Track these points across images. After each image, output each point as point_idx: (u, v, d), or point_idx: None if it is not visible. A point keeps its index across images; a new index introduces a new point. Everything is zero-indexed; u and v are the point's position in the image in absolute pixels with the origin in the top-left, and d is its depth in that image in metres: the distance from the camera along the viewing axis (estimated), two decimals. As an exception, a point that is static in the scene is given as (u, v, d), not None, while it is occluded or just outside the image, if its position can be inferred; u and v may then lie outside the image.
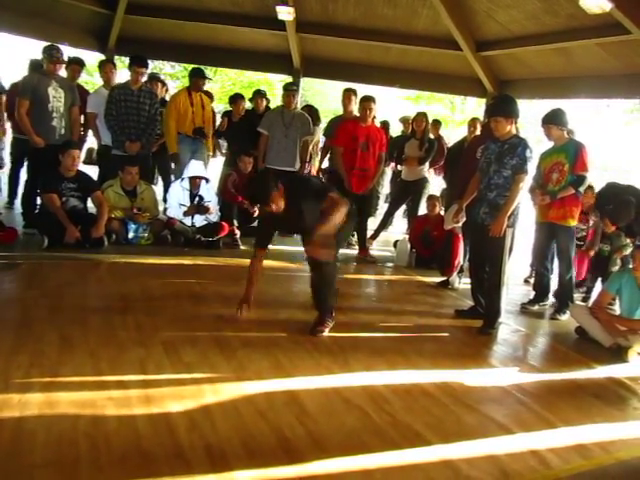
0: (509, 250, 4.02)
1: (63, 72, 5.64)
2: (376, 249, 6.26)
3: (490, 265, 3.96)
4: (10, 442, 2.03)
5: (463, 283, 5.05)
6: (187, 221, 5.62)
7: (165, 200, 6.10)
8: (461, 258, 5.12)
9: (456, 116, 18.57)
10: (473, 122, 6.34)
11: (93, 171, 5.93)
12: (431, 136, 6.80)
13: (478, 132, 6.02)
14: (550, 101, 8.12)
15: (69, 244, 4.83)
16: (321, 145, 7.16)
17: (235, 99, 6.95)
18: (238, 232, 5.76)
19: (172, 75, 19.17)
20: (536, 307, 4.70)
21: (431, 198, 6.04)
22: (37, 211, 5.27)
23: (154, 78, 6.91)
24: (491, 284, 3.97)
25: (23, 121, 5.15)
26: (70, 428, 2.14)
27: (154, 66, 18.23)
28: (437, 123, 7.89)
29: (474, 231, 4.17)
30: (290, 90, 6.45)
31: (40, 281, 4.09)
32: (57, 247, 4.80)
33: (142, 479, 1.92)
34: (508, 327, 4.14)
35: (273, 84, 17.21)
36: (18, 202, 6.37)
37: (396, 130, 9.27)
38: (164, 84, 7.20)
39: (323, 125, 7.55)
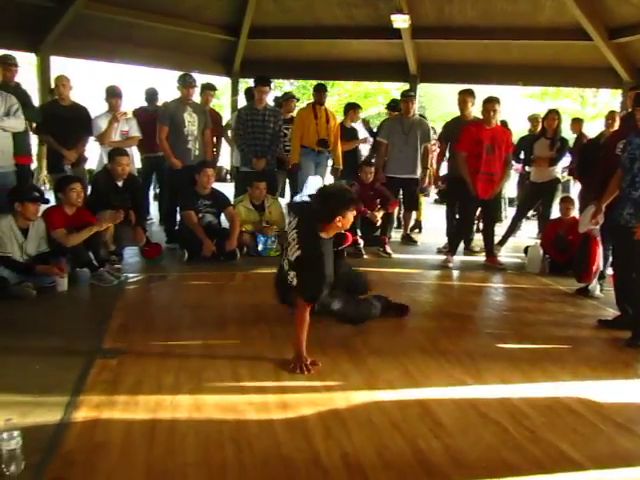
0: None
1: (197, 97, 6.14)
2: (504, 256, 5.98)
3: (637, 271, 3.60)
4: (165, 442, 2.21)
5: (605, 290, 4.65)
6: (311, 232, 5.78)
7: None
8: (600, 263, 4.72)
9: (587, 110, 17.26)
10: (611, 115, 5.83)
11: (224, 188, 6.33)
12: (563, 135, 6.39)
13: (617, 126, 5.53)
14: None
15: (206, 257, 5.19)
16: (435, 149, 7.00)
17: (352, 107, 7.03)
18: (362, 241, 5.81)
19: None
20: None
21: (565, 200, 5.64)
22: (177, 227, 5.73)
23: (290, 97, 7.27)
24: (639, 291, 3.61)
25: (163, 145, 5.67)
26: (216, 431, 2.29)
27: (276, 84, 19.06)
28: (579, 121, 7.52)
29: (617, 234, 3.83)
30: (408, 97, 6.41)
31: (183, 291, 4.47)
32: (196, 260, 5.19)
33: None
34: (662, 339, 3.73)
35: (389, 92, 17.22)
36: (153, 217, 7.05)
37: (519, 129, 8.82)
38: (298, 100, 7.54)
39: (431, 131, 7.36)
